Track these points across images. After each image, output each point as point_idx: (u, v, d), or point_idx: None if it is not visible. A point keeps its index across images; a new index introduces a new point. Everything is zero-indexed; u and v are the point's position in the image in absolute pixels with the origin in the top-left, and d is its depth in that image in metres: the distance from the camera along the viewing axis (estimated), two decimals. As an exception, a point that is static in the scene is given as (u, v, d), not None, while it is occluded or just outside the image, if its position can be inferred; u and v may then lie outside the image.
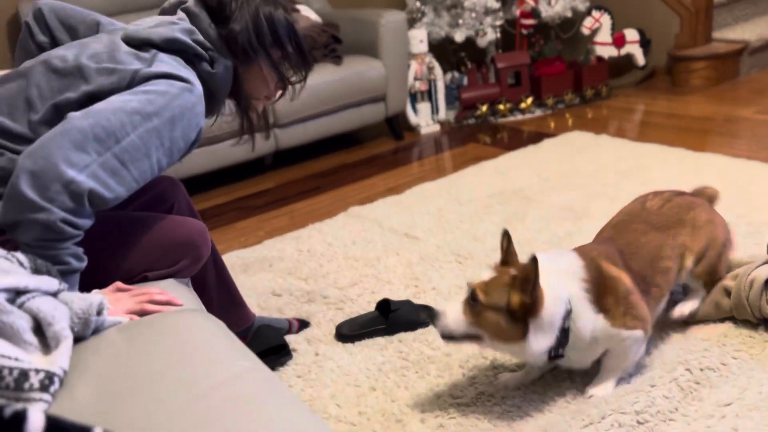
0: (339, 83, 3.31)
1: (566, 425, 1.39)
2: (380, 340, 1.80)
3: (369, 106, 3.52)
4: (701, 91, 4.02)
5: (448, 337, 1.40)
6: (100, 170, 1.11)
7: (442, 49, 4.21)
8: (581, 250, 1.48)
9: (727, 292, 1.62)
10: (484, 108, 3.92)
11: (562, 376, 1.56)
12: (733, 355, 1.54)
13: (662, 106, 3.84)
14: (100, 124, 1.11)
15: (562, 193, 2.66)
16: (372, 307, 1.92)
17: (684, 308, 1.66)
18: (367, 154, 3.63)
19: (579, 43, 4.33)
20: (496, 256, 1.74)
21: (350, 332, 1.81)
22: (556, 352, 1.38)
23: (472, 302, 1.35)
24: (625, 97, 4.12)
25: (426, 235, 2.43)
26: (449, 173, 3.11)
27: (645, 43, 4.13)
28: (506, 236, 1.43)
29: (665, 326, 1.69)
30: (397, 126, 3.76)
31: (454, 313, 1.37)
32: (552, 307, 1.34)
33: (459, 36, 3.89)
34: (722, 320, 1.67)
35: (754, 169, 2.65)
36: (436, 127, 3.92)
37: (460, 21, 3.89)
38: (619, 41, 4.06)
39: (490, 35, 3.96)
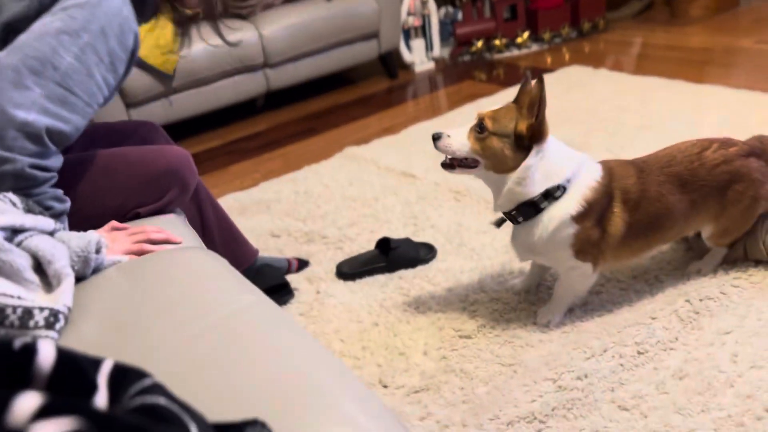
0: (330, 20, 3.22)
1: (568, 357, 1.40)
2: (381, 278, 1.80)
3: (361, 44, 3.43)
4: (701, 22, 3.93)
5: (448, 164, 1.44)
6: (48, 103, 1.05)
7: (436, -17, 4.08)
8: (608, 167, 1.44)
9: None
10: (480, 44, 3.83)
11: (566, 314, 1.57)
12: (732, 284, 1.55)
13: (661, 38, 3.76)
14: (29, 55, 1.04)
15: (560, 128, 2.61)
16: (371, 246, 1.91)
17: (700, 267, 1.62)
18: (362, 94, 3.57)
19: (576, -26, 4.20)
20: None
21: (351, 270, 1.81)
22: (519, 214, 1.41)
23: (479, 130, 1.37)
24: (622, 29, 4.03)
25: (423, 173, 2.41)
26: (445, 112, 3.06)
27: (644, -27, 4.01)
28: (527, 78, 1.42)
29: (663, 260, 1.70)
30: (391, 64, 3.68)
31: (459, 137, 1.39)
32: (557, 160, 1.37)
33: (453, -32, 3.76)
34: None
35: (754, 100, 2.61)
36: (431, 65, 3.84)
37: (454, -48, 3.75)
38: (617, -29, 3.94)
39: (485, -33, 3.83)
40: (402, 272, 1.81)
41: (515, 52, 3.87)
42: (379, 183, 2.37)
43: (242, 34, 2.99)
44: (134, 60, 1.21)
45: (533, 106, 1.31)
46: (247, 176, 2.67)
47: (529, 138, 1.33)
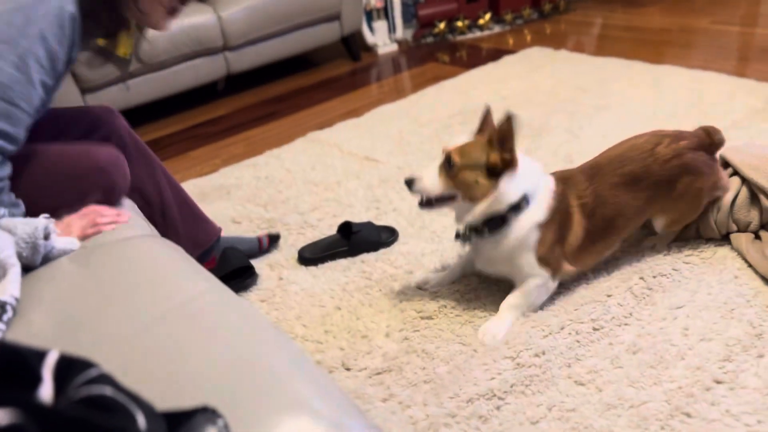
0: (290, 1, 3.17)
1: (527, 336, 1.43)
2: (343, 262, 1.81)
3: (323, 26, 3.39)
4: (658, 3, 3.99)
5: (426, 203, 1.46)
6: None
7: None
8: (560, 177, 1.51)
9: None
10: (442, 25, 3.83)
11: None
12: (684, 261, 1.59)
13: (620, 19, 3.81)
14: None
15: (521, 109, 2.65)
16: (334, 231, 1.91)
17: (655, 242, 1.68)
18: (324, 77, 3.54)
19: (537, -45, 4.21)
20: None
21: (313, 255, 1.81)
22: (483, 228, 1.45)
23: (448, 166, 1.41)
24: (583, 10, 4.07)
25: (386, 157, 2.41)
26: (409, 94, 3.06)
27: (603, -46, 4.05)
28: (488, 110, 1.49)
29: (623, 240, 1.73)
30: (353, 46, 3.65)
31: (430, 177, 1.43)
32: (524, 178, 1.41)
33: (414, -51, 3.74)
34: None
35: (708, 79, 2.67)
36: (394, 47, 3.82)
37: (415, -67, 3.73)
38: (577, -48, 3.97)
39: (446, -52, 3.82)
40: (364, 256, 1.81)
41: (477, 34, 3.88)
42: (342, 167, 2.37)
43: (200, 16, 2.93)
44: (75, 51, 1.17)
45: (505, 141, 1.37)
46: (208, 162, 2.64)
47: (503, 168, 1.39)
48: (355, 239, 1.81)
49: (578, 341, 1.39)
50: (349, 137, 2.62)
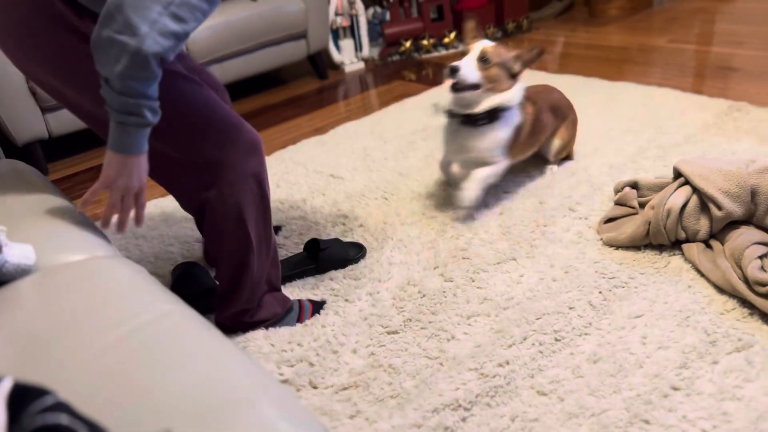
0: (256, 19, 3.19)
1: (492, 346, 1.45)
2: (311, 280, 1.81)
3: (290, 44, 3.42)
4: (618, 22, 4.11)
5: (457, 88, 1.86)
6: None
7: (363, -16, 4.11)
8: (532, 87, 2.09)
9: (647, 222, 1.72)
10: (408, 44, 3.88)
11: (487, 303, 1.62)
12: (641, 271, 1.64)
13: (581, 38, 3.91)
14: None
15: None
16: (301, 249, 1.92)
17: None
18: (291, 94, 3.56)
19: (499, -25, 4.31)
20: (422, 191, 2.07)
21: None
22: (485, 117, 1.90)
23: (483, 61, 1.84)
24: (545, 29, 4.17)
25: (352, 174, 2.43)
26: (375, 111, 3.09)
27: (563, -26, 4.16)
28: (471, 19, 2.01)
29: (578, 250, 1.78)
30: (320, 64, 3.68)
31: (470, 67, 1.84)
32: (521, 87, 1.94)
33: (379, -31, 3.80)
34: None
35: (664, 95, 2.76)
36: (361, 65, 3.86)
37: (380, -47, 3.79)
38: (538, -28, 4.07)
39: (410, -32, 3.89)
40: (332, 273, 1.82)
41: (443, 52, 3.95)
42: (307, 184, 2.38)
43: (165, 35, 2.93)
44: None
45: (529, 61, 1.88)
46: (175, 181, 2.62)
47: (518, 73, 1.89)
48: (323, 256, 1.82)
49: (541, 352, 1.42)
50: (315, 155, 2.64)
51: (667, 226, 1.66)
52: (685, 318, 1.46)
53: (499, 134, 1.93)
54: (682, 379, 1.30)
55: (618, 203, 1.88)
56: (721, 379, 1.29)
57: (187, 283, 1.75)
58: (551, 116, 2.13)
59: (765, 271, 1.48)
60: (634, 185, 1.89)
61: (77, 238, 1.17)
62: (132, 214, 1.27)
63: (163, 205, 2.35)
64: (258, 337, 1.60)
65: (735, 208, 1.59)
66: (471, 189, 1.95)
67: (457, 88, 1.86)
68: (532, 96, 2.05)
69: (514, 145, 1.98)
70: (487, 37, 3.99)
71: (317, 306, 1.69)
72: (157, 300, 0.96)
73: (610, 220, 1.84)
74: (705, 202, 1.63)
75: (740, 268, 1.51)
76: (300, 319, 1.64)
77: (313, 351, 1.52)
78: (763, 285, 1.42)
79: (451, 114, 1.96)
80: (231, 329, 1.61)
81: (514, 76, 1.89)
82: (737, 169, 1.61)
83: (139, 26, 1.04)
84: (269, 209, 1.50)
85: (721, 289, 1.53)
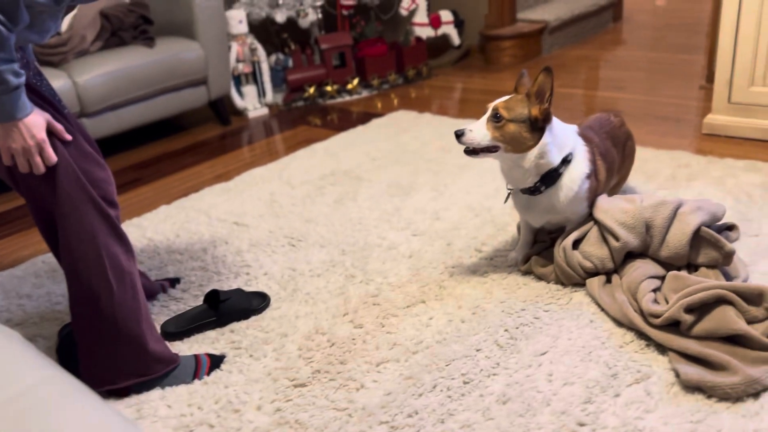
0: (153, 66, 3.10)
1: (403, 396, 1.42)
2: (211, 333, 1.72)
3: (189, 90, 3.34)
4: (511, 68, 4.32)
5: (471, 151, 1.67)
6: None
7: (265, 30, 4.12)
8: (581, 134, 1.79)
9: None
10: (312, 89, 3.90)
11: (397, 348, 1.59)
12: (545, 308, 1.68)
13: (478, 83, 4.08)
14: None
15: (390, 170, 2.72)
16: (200, 301, 1.82)
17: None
18: (192, 141, 3.46)
19: (399, 24, 4.45)
20: (331, 237, 2.01)
21: (177, 329, 1.71)
22: (540, 183, 1.69)
23: (495, 120, 1.62)
24: (444, 76, 4.31)
25: (257, 221, 2.36)
26: (280, 157, 3.06)
27: (459, 24, 4.35)
28: (523, 73, 1.74)
29: (485, 290, 1.79)
30: (222, 110, 3.62)
31: (479, 129, 1.64)
32: (563, 134, 1.68)
33: (280, 17, 3.82)
34: (538, 279, 1.81)
35: (557, 138, 2.90)
36: (265, 111, 3.83)
37: (280, 1, 3.82)
38: (435, 22, 4.23)
39: (311, 16, 3.93)
40: (234, 325, 1.74)
41: (347, 98, 3.99)
42: (209, 233, 2.29)
43: (54, 82, 2.78)
44: None
45: (544, 94, 1.61)
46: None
47: (543, 120, 1.62)
48: (224, 308, 1.74)
49: (450, 396, 1.40)
50: (218, 202, 2.56)
51: (571, 264, 1.71)
52: (588, 353, 1.50)
53: (572, 192, 1.70)
54: (587, 414, 1.32)
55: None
56: (623, 411, 1.32)
57: (73, 344, 1.61)
58: (613, 148, 1.88)
59: (658, 303, 1.54)
60: None
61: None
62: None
63: (52, 261, 2.18)
64: (153, 398, 1.49)
65: (631, 239, 1.66)
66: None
67: (468, 150, 1.67)
68: (587, 129, 1.84)
69: (597, 189, 1.77)
70: (390, 85, 4.08)
71: (216, 360, 1.59)
72: (30, 368, 0.86)
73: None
74: (604, 234, 1.71)
75: (636, 300, 1.57)
76: (197, 375, 1.54)
77: (214, 413, 1.43)
78: (657, 317, 1.48)
79: (510, 190, 1.80)
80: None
81: (538, 128, 1.62)
82: (633, 204, 1.70)
83: None
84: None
85: (620, 323, 1.58)
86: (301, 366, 1.56)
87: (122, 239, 1.47)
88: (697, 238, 1.65)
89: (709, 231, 1.64)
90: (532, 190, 1.71)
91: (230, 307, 1.74)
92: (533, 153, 1.63)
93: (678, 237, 1.64)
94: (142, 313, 1.49)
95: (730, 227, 1.87)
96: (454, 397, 1.40)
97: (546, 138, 1.63)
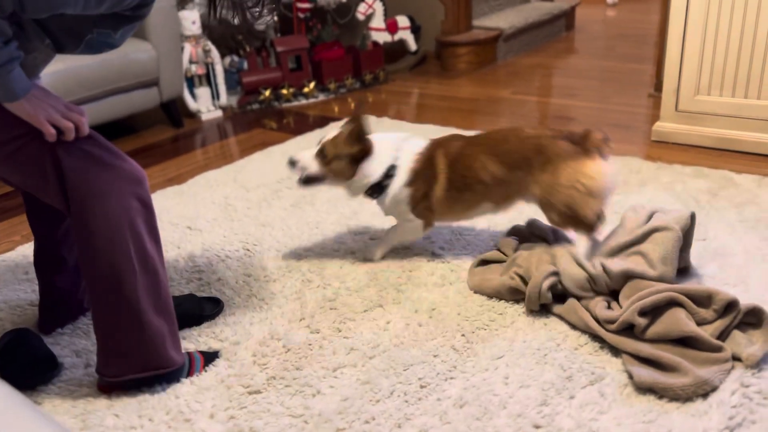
0: (101, 66, 3.00)
1: (360, 401, 1.40)
2: (163, 340, 1.66)
3: (140, 92, 3.25)
4: (466, 75, 4.37)
5: (304, 181, 1.90)
6: None
7: (219, 32, 4.05)
8: (433, 140, 1.95)
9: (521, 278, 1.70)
10: (268, 93, 3.85)
11: (354, 353, 1.57)
12: (500, 312, 1.68)
13: (435, 89, 4.10)
14: None
15: (346, 173, 2.70)
16: (152, 306, 1.76)
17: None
18: (143, 143, 3.37)
19: (355, 28, 4.45)
20: (287, 242, 2.07)
21: (127, 335, 1.65)
22: (372, 192, 1.91)
23: (321, 155, 1.86)
24: (401, 81, 4.33)
25: (210, 225, 2.31)
26: (235, 160, 3.00)
27: (416, 30, 4.37)
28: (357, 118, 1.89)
29: (446, 297, 1.79)
30: (175, 112, 3.53)
31: (307, 159, 1.88)
32: (379, 158, 1.87)
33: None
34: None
35: (512, 143, 2.93)
36: (219, 113, 3.76)
37: (236, 3, 3.76)
38: (392, 27, 4.24)
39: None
40: (185, 331, 1.69)
41: (303, 101, 3.96)
42: (161, 237, 2.22)
43: (-5, 79, 2.66)
44: None
45: (358, 137, 1.84)
46: (5, 239, 2.34)
47: (361, 157, 1.86)
48: (176, 314, 1.68)
49: (407, 401, 1.39)
50: (170, 206, 2.49)
51: (540, 300, 1.65)
52: (543, 356, 1.51)
53: (394, 200, 1.91)
54: (543, 416, 1.33)
55: (497, 247, 1.91)
56: (578, 413, 1.33)
57: (16, 353, 1.54)
58: (489, 157, 1.81)
59: (612, 309, 1.57)
60: (517, 232, 1.95)
61: None
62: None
63: (-9, 266, 2.09)
64: (100, 407, 1.43)
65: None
66: (375, 248, 2.01)
67: (302, 180, 1.90)
68: (464, 137, 1.94)
69: (424, 200, 1.88)
70: (347, 89, 4.07)
71: (210, 357, 1.59)
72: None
73: (484, 261, 1.87)
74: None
75: (588, 309, 1.58)
76: (191, 373, 1.54)
77: (165, 424, 1.38)
78: (612, 322, 1.50)
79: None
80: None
81: (358, 160, 1.85)
82: (595, 270, 1.62)
83: None
84: None
85: (574, 326, 1.60)
86: (256, 372, 1.52)
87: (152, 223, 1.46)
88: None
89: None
90: (369, 196, 1.94)
91: (181, 313, 1.68)
92: (354, 182, 1.89)
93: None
94: (164, 300, 1.45)
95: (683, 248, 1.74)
96: (411, 402, 1.39)
97: (364, 169, 1.87)
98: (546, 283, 1.63)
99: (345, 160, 1.85)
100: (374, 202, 1.97)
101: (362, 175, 1.87)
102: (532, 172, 1.76)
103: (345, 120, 1.91)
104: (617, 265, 1.60)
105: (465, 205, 1.89)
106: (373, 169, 1.87)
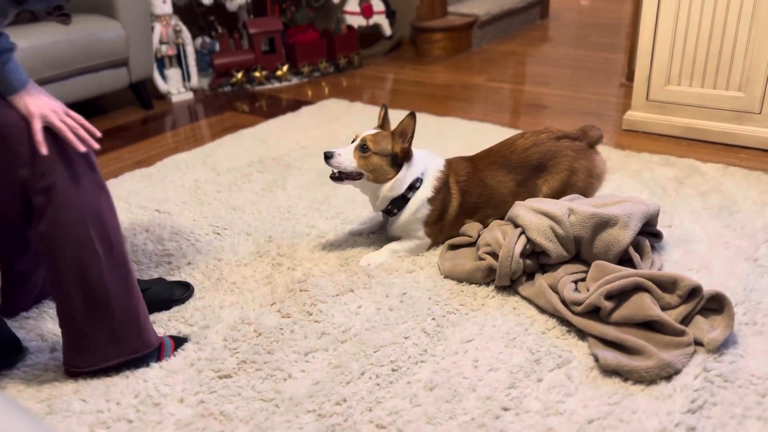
0: (68, 45, 2.93)
1: (331, 384, 1.40)
2: (131, 324, 1.64)
3: (109, 72, 3.18)
4: (441, 61, 4.36)
5: (336, 177, 1.84)
6: None
7: (190, 12, 3.97)
8: (449, 161, 1.96)
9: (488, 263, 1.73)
10: (240, 75, 3.80)
11: (326, 337, 1.58)
12: (470, 297, 1.70)
13: (409, 75, 4.09)
14: None
15: (320, 158, 2.68)
16: (120, 290, 1.74)
17: None
18: (112, 125, 3.30)
19: (330, 11, 4.41)
20: (258, 225, 2.02)
21: (94, 319, 1.62)
22: (393, 207, 1.88)
23: (362, 150, 1.81)
24: (376, 66, 4.30)
25: (180, 208, 2.28)
26: (206, 142, 2.96)
27: (391, 14, 4.35)
28: (384, 108, 1.94)
29: (412, 278, 1.80)
30: (144, 93, 3.47)
31: (347, 155, 1.81)
32: (413, 167, 1.86)
33: (207, -2, 3.69)
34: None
35: (485, 129, 2.95)
36: (189, 95, 3.70)
37: (208, -18, 3.69)
38: (367, 11, 4.21)
39: (240, -1, 3.83)
40: (155, 316, 1.67)
41: (276, 85, 3.91)
42: (128, 221, 2.19)
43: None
44: None
45: (406, 134, 1.83)
46: (-33, 220, 2.28)
47: (402, 158, 1.83)
48: (144, 298, 1.66)
49: (378, 384, 1.40)
50: (139, 188, 2.45)
51: (513, 269, 1.68)
52: (512, 339, 1.53)
53: (412, 214, 1.88)
54: (511, 399, 1.35)
55: (461, 232, 1.93)
56: (545, 395, 1.35)
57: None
58: (499, 176, 1.93)
59: (579, 292, 1.59)
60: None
61: None
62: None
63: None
64: (66, 392, 1.41)
65: (561, 253, 1.69)
66: (375, 255, 1.90)
67: (334, 176, 1.84)
68: (468, 158, 1.99)
69: (438, 222, 1.90)
70: (321, 73, 4.03)
71: (180, 342, 1.58)
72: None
73: (453, 246, 1.89)
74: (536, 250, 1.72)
75: (557, 292, 1.61)
76: (161, 357, 1.52)
77: (133, 408, 1.36)
78: (578, 304, 1.53)
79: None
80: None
81: (398, 164, 1.83)
82: (561, 221, 1.68)
83: None
84: None
85: (542, 309, 1.62)
86: (227, 357, 1.51)
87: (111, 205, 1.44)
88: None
89: (635, 255, 1.68)
90: (388, 212, 1.90)
91: (150, 296, 1.66)
92: (387, 185, 1.84)
93: (605, 254, 1.68)
94: (133, 284, 1.44)
95: (656, 234, 1.84)
96: (383, 385, 1.40)
97: (401, 174, 1.84)
98: (518, 247, 1.68)
99: (387, 158, 1.81)
100: (380, 215, 1.96)
101: (398, 180, 1.83)
102: (544, 176, 1.93)
103: (379, 108, 1.90)
104: (585, 207, 1.70)
105: (472, 222, 1.94)
106: (406, 177, 1.85)
